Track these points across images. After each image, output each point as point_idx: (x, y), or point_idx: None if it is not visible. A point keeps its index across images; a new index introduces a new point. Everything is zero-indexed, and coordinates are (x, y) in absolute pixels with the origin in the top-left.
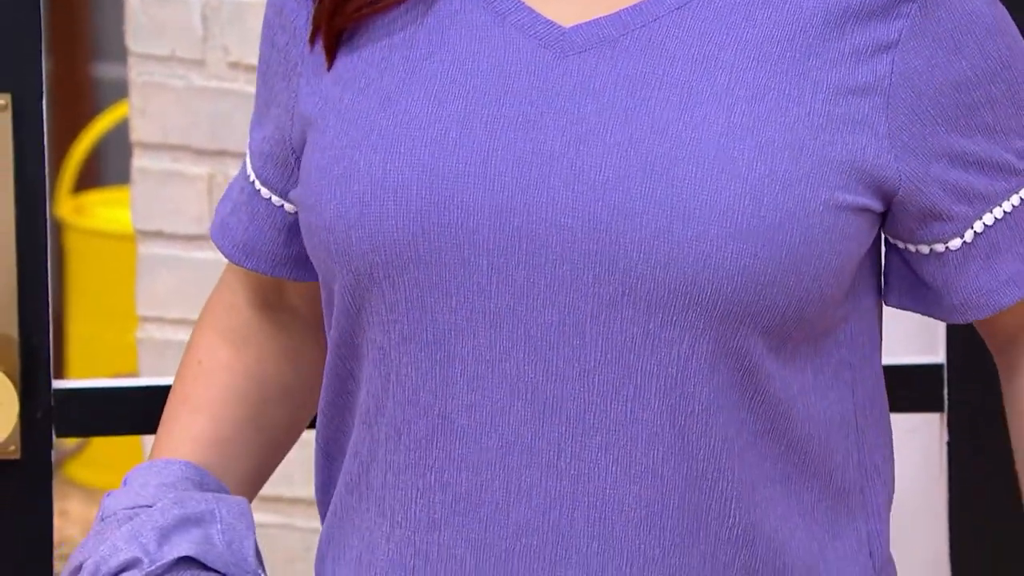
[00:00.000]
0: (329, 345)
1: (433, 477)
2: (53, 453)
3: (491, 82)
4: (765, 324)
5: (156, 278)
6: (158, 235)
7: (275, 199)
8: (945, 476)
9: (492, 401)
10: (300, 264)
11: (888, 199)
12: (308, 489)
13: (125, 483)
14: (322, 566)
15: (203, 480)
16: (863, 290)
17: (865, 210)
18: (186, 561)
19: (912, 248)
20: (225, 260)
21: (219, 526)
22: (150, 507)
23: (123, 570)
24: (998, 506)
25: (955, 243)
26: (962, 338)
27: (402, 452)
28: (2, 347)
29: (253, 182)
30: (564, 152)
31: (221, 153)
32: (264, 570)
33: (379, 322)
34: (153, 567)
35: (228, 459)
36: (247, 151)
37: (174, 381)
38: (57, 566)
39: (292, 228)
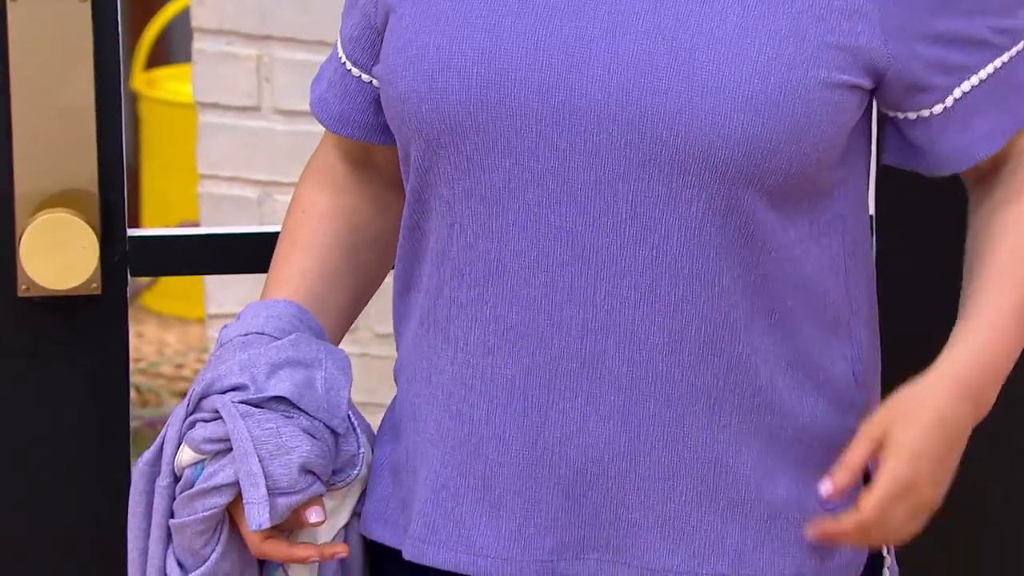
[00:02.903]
0: (406, 198)
1: (488, 311)
2: (128, 289)
3: None
4: (770, 184)
5: (213, 142)
6: (215, 106)
7: (364, 76)
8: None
9: (539, 247)
10: (384, 131)
11: (878, 77)
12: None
13: (239, 318)
14: (399, 386)
15: (303, 317)
16: (856, 153)
17: (857, 87)
18: (281, 400)
19: (900, 115)
20: (274, 127)
21: (323, 373)
22: (260, 334)
23: (231, 390)
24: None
25: (937, 108)
26: (892, 189)
27: (463, 289)
28: (85, 200)
29: (344, 63)
30: (602, 37)
31: (267, 38)
32: (355, 418)
33: (445, 180)
34: (255, 395)
35: (330, 291)
36: (338, 38)
37: (281, 230)
38: (134, 378)
39: (377, 101)
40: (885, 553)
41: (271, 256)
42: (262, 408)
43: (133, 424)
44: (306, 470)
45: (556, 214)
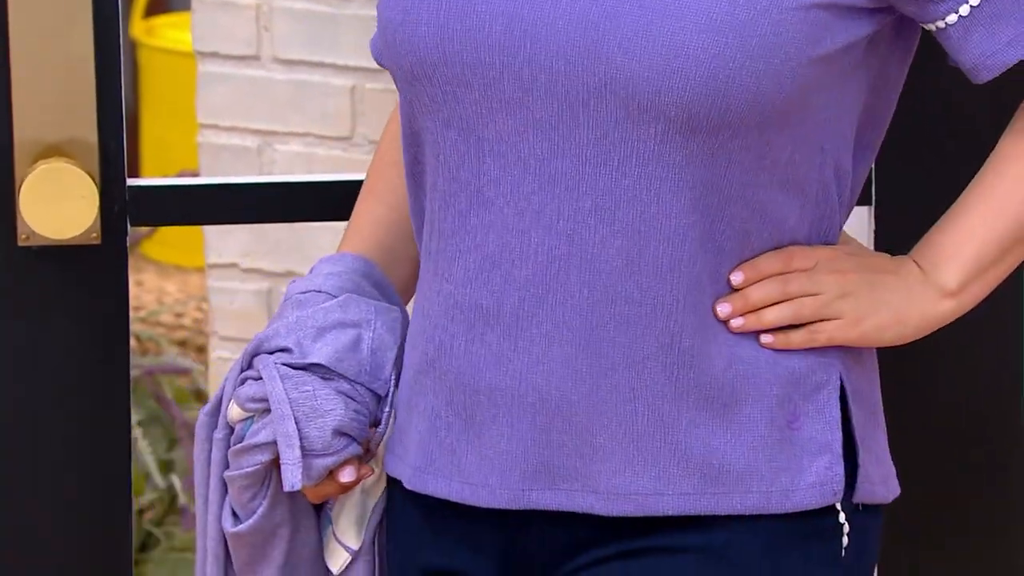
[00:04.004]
0: (401, 131)
1: (469, 240)
2: (128, 239)
3: None
4: (733, 108)
5: (213, 91)
6: (214, 55)
7: None
8: None
9: (511, 175)
10: None
11: None
12: None
13: (310, 271)
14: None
15: (368, 271)
16: (851, 88)
17: (851, 8)
18: (320, 367)
19: (928, 27)
20: (274, 76)
21: (371, 334)
22: (319, 292)
23: (279, 351)
24: None
25: (951, 18)
26: (892, 140)
27: (449, 220)
28: (84, 150)
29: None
30: None
31: None
32: (396, 380)
33: (427, 111)
34: (298, 359)
35: (400, 241)
36: None
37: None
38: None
39: None
40: (839, 508)
41: (271, 206)
42: (302, 371)
43: (133, 373)
44: (340, 433)
45: (525, 142)
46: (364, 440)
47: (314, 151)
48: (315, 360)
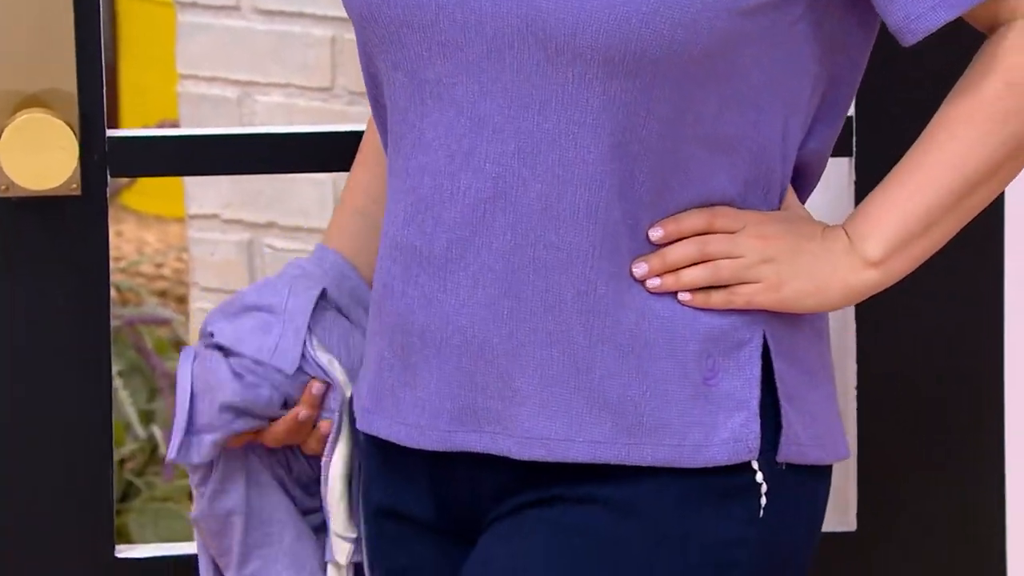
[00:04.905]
0: (363, 75)
1: (408, 182)
2: (107, 190)
3: None
4: (649, 53)
5: (192, 41)
6: (193, 5)
7: None
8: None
9: (446, 118)
10: None
11: None
12: (322, 221)
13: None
14: None
15: (332, 266)
16: (793, 50)
17: None
18: (219, 348)
19: None
20: (254, 26)
21: (283, 316)
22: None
23: (201, 336)
24: None
25: None
26: (872, 91)
27: (398, 161)
28: (63, 100)
29: None
30: None
31: None
32: (319, 359)
33: (377, 53)
34: (204, 340)
35: (376, 204)
36: None
37: None
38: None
39: None
40: (756, 467)
41: (251, 157)
42: (212, 349)
43: (113, 323)
44: (230, 407)
45: (459, 85)
46: (271, 413)
47: (294, 102)
48: (218, 341)
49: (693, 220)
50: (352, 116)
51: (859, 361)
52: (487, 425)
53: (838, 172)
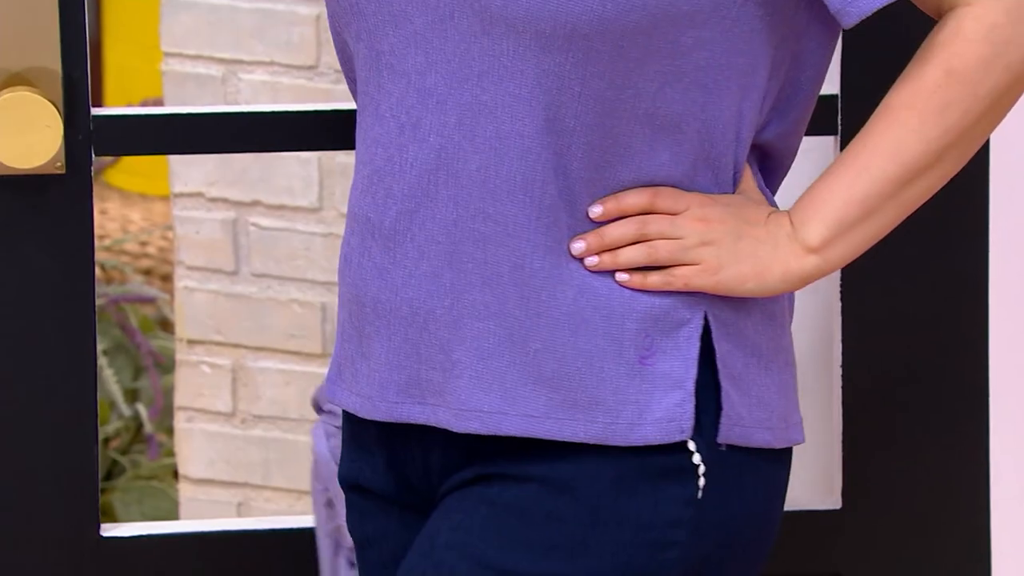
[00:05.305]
0: (334, 47)
1: (365, 154)
2: (92, 168)
3: None
4: (581, 27)
5: (176, 19)
6: None
7: None
8: None
9: (399, 89)
10: None
11: None
12: (307, 200)
13: None
14: None
15: None
16: (743, 32)
17: None
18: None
19: None
20: (239, 4)
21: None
22: None
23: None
24: None
25: None
26: (856, 69)
27: (361, 132)
28: (47, 79)
29: None
30: None
31: None
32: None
33: (342, 25)
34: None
35: None
36: None
37: None
38: (98, 256)
39: None
40: (693, 448)
41: (236, 136)
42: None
43: (98, 302)
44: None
45: (409, 58)
46: None
47: (279, 80)
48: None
49: (633, 199)
50: (337, 94)
51: (844, 340)
52: (430, 397)
53: (823, 150)
